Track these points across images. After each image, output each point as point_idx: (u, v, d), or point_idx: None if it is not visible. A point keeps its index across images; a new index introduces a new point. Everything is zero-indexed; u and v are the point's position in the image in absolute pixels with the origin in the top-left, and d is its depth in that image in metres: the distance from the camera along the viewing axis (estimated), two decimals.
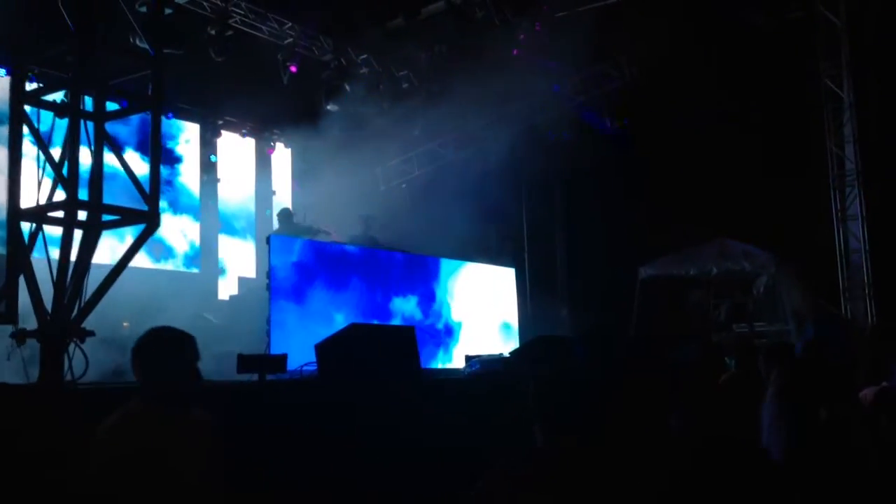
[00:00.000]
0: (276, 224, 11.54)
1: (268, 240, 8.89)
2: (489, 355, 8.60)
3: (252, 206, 14.70)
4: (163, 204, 7.35)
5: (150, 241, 6.12)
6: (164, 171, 10.78)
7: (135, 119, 11.32)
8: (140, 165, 9.15)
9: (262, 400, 5.51)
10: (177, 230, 13.27)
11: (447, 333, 11.13)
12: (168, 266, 12.84)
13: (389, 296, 10.19)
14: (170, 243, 13.07)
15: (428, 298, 10.84)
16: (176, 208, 13.49)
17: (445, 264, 11.47)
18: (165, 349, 3.17)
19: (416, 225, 12.06)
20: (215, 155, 14.13)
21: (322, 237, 10.77)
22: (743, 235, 12.61)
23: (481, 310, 11.68)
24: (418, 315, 10.58)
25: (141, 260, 10.97)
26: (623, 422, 2.98)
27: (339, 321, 8.79)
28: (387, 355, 5.85)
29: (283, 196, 15.03)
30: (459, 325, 11.36)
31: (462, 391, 6.94)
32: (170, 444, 3.07)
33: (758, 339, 10.52)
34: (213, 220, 13.93)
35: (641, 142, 13.66)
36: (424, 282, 10.93)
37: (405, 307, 10.35)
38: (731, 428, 4.02)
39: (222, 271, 13.77)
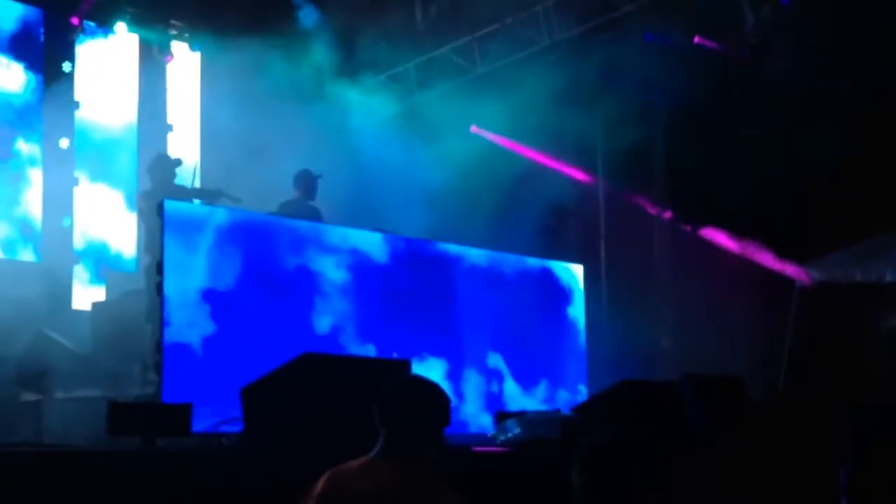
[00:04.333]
0: (143, 181, 9.54)
1: (159, 209, 7.11)
2: (538, 412, 7.31)
3: (132, 149, 11.84)
4: None
5: None
6: None
7: None
8: None
9: (147, 480, 4.46)
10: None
11: None
12: None
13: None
14: None
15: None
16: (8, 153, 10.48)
17: (471, 258, 8.90)
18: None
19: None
20: (71, 62, 11.28)
21: (225, 204, 8.90)
22: None
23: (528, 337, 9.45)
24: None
25: None
26: None
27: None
28: (360, 407, 4.21)
29: (184, 133, 12.26)
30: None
31: (490, 475, 5.49)
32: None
33: None
34: (65, 172, 10.95)
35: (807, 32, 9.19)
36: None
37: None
38: None
39: (81, 259, 11.14)
